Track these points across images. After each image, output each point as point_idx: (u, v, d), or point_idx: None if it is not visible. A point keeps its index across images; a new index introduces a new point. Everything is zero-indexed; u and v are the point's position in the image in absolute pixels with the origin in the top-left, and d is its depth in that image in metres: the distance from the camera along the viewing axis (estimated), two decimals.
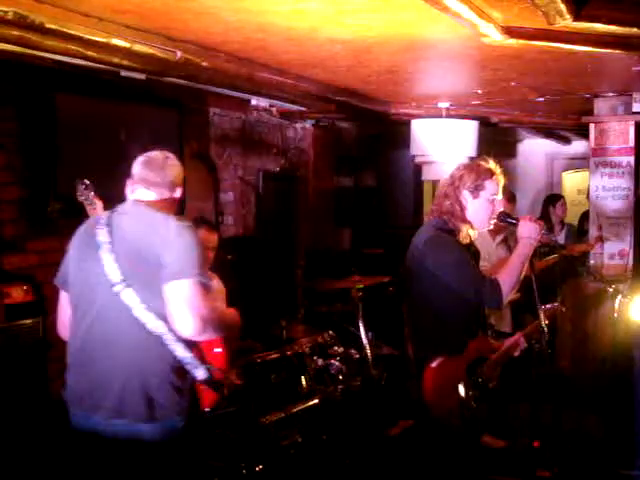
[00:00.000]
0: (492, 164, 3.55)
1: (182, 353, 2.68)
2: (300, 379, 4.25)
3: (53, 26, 3.21)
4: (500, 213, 3.59)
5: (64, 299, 2.91)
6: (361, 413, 4.54)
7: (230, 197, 6.56)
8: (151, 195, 2.85)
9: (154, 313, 2.66)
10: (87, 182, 3.37)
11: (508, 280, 3.43)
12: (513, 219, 3.62)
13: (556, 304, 3.92)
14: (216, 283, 4.45)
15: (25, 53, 3.61)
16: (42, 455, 3.92)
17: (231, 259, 5.61)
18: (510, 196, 6.43)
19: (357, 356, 4.70)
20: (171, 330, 2.66)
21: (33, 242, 4.53)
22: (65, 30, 3.27)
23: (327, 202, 8.01)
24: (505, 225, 3.79)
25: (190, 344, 2.71)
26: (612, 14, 3.12)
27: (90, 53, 3.61)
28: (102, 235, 2.74)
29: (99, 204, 3.44)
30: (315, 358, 4.43)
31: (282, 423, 3.95)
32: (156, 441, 2.69)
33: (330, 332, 4.68)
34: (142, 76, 4.29)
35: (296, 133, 7.48)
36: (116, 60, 3.78)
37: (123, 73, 4.30)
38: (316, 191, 7.76)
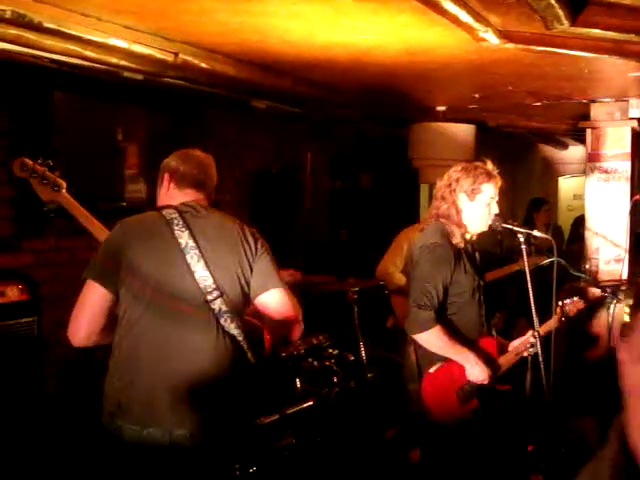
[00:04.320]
0: (490, 166, 3.53)
1: (250, 358, 2.70)
2: (295, 381, 4.25)
3: (51, 25, 3.21)
4: (495, 219, 3.58)
5: (99, 298, 2.58)
6: (356, 416, 4.54)
7: (226, 198, 6.56)
8: (200, 196, 2.81)
9: (237, 321, 2.66)
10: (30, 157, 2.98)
11: (436, 343, 3.40)
12: (511, 226, 3.63)
13: (575, 298, 3.89)
14: None
15: (22, 52, 3.61)
16: (37, 454, 3.91)
17: None
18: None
19: (352, 358, 4.71)
20: (247, 337, 2.68)
21: (28, 241, 4.53)
22: (63, 30, 3.27)
23: (323, 204, 8.02)
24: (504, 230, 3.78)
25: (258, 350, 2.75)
26: (609, 20, 3.13)
27: (88, 53, 3.61)
28: (185, 238, 2.62)
29: (64, 185, 3.05)
30: (310, 360, 4.43)
31: (276, 425, 3.95)
32: (228, 446, 2.73)
33: (325, 334, 4.68)
34: (140, 77, 4.30)
35: (293, 135, 7.49)
36: (114, 60, 3.78)
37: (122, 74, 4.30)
38: (312, 192, 7.76)
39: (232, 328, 2.64)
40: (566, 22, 3.02)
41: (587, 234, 5.72)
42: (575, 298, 3.86)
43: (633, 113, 5.55)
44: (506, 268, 5.46)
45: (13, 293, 4.05)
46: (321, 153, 7.90)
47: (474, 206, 3.49)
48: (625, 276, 5.49)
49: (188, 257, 2.60)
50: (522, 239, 3.69)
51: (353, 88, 5.38)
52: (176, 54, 3.80)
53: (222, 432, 2.65)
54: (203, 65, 4.01)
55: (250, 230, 2.79)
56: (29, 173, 2.98)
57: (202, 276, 2.60)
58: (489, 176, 3.49)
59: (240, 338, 2.66)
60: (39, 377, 4.14)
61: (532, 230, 3.87)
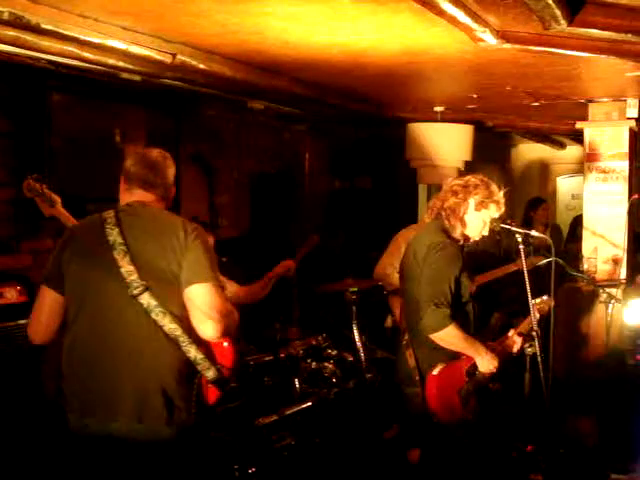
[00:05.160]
0: (502, 195, 3.65)
1: (195, 354, 2.67)
2: (294, 382, 4.25)
3: (49, 27, 3.20)
4: (493, 219, 3.65)
5: (51, 300, 2.77)
6: (355, 416, 4.54)
7: (225, 199, 6.57)
8: (150, 196, 2.83)
9: (171, 315, 2.64)
10: (37, 176, 3.31)
11: (452, 340, 3.45)
12: (509, 226, 3.69)
13: (545, 297, 3.94)
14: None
15: (20, 53, 3.61)
16: (36, 456, 3.91)
17: (225, 261, 5.61)
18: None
19: (351, 359, 4.70)
20: (186, 332, 2.66)
21: (27, 242, 4.52)
22: (61, 31, 3.27)
23: (322, 204, 8.01)
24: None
25: (202, 344, 2.71)
26: (606, 20, 3.13)
27: (86, 54, 3.61)
28: (114, 235, 2.67)
29: (58, 201, 3.39)
30: (309, 361, 4.43)
31: (275, 425, 3.95)
32: (173, 443, 2.68)
33: (324, 335, 4.68)
34: (138, 78, 4.30)
35: (292, 135, 7.49)
36: (112, 61, 3.78)
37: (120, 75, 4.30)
38: (311, 193, 7.76)
39: (166, 323, 2.63)
40: (563, 22, 3.02)
41: (585, 234, 5.72)
42: (545, 297, 3.91)
43: (631, 113, 5.55)
44: (504, 268, 5.47)
45: (11, 294, 4.05)
46: (320, 153, 7.90)
47: (475, 216, 3.60)
48: (623, 276, 5.50)
49: (115, 253, 2.64)
50: (520, 239, 3.73)
51: (351, 88, 5.39)
52: (174, 55, 3.80)
53: (160, 425, 2.66)
54: (201, 66, 4.01)
55: (185, 225, 2.75)
56: (35, 194, 3.35)
57: (127, 271, 2.63)
58: (499, 201, 3.63)
59: (177, 333, 2.64)
60: (38, 379, 4.13)
61: (530, 230, 3.89)
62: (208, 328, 2.64)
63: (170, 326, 2.63)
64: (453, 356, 3.52)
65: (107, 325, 2.67)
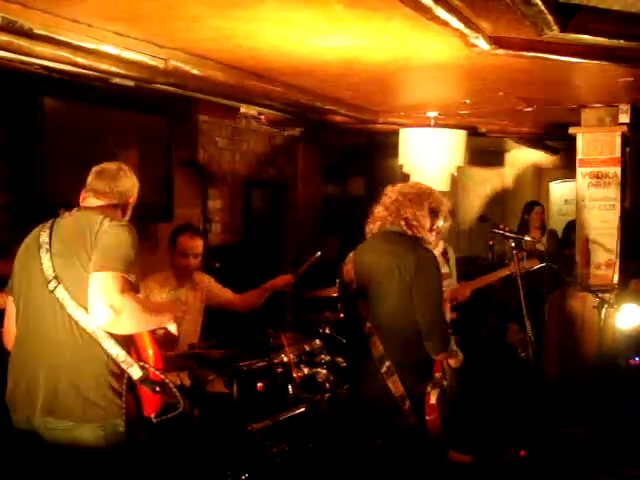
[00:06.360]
0: (449, 205, 3.52)
1: (115, 351, 2.70)
2: (287, 387, 4.24)
3: (42, 32, 3.21)
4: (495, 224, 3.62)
5: (11, 305, 2.95)
6: (348, 421, 4.53)
7: (218, 204, 6.56)
8: (99, 202, 2.96)
9: (84, 309, 2.69)
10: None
11: (448, 356, 3.45)
12: (502, 231, 3.68)
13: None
14: (206, 280, 4.64)
15: (13, 58, 3.60)
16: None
17: (218, 266, 5.61)
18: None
19: (344, 364, 4.69)
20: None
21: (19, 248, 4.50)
22: (54, 36, 3.27)
23: (315, 210, 8.01)
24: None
25: (123, 343, 2.73)
26: (599, 26, 3.15)
27: (79, 59, 3.61)
28: (43, 236, 2.84)
29: None
30: (302, 366, 4.41)
31: (269, 431, 3.94)
32: (100, 444, 2.70)
33: (317, 340, 4.67)
34: (131, 83, 4.29)
35: (285, 141, 7.49)
36: (105, 67, 3.78)
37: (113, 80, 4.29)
38: (304, 199, 7.76)
39: (81, 317, 2.69)
40: (556, 28, 3.03)
41: (578, 239, 5.74)
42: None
43: (623, 118, 5.58)
44: (497, 272, 5.47)
45: (3, 300, 4.02)
46: (313, 159, 7.90)
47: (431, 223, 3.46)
48: (616, 281, 5.51)
49: (41, 251, 2.81)
50: (513, 244, 3.72)
51: (344, 94, 5.39)
52: (167, 60, 3.80)
53: (73, 423, 2.70)
54: (194, 71, 4.01)
55: (102, 220, 2.80)
56: None
57: (46, 266, 2.77)
58: (447, 212, 3.48)
59: (94, 327, 2.68)
60: None
61: (524, 235, 3.89)
62: (96, 312, 2.62)
63: (85, 320, 2.69)
64: (430, 374, 3.44)
65: (33, 321, 2.81)
